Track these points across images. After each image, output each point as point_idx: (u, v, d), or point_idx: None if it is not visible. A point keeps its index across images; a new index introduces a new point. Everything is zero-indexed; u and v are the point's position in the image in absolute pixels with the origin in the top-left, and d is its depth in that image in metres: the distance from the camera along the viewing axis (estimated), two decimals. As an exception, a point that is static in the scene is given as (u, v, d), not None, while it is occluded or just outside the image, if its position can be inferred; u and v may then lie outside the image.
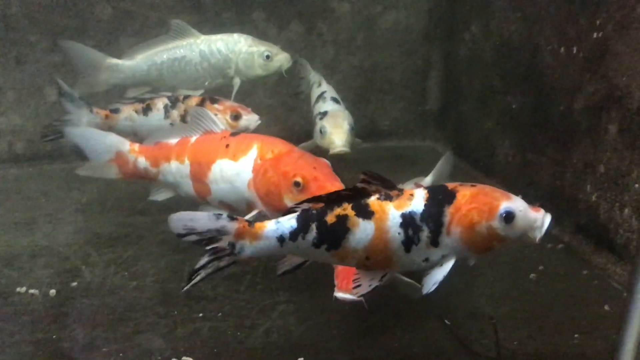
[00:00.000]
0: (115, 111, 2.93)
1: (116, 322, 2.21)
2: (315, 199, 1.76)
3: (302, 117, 3.98)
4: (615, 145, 2.56)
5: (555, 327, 2.22)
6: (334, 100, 3.24)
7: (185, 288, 1.83)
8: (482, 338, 2.13)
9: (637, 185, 2.45)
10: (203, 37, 3.15)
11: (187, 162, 2.48)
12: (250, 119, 2.80)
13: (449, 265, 1.72)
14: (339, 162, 2.67)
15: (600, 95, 2.64)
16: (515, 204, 1.67)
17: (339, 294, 1.97)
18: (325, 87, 3.36)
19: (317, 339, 2.13)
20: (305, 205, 1.75)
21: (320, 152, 2.81)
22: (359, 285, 1.80)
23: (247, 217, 2.32)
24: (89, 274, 2.53)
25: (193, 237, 1.73)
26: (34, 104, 3.69)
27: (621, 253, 2.54)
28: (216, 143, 2.42)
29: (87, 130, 2.69)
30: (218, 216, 1.71)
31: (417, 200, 1.70)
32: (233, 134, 2.46)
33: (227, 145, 2.38)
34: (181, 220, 1.74)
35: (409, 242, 1.71)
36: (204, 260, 1.76)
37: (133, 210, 3.14)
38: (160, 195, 2.68)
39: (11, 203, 3.20)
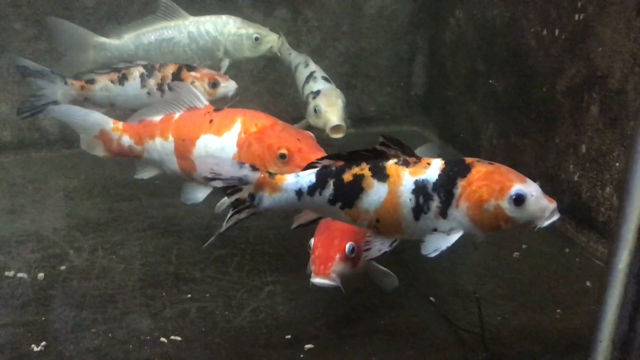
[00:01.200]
0: (91, 82, 2.88)
1: (105, 304, 2.23)
2: (335, 157, 1.80)
3: (289, 103, 3.99)
4: (596, 125, 2.60)
5: (538, 304, 2.27)
6: (325, 79, 3.22)
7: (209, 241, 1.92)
8: (466, 315, 2.18)
9: (618, 164, 2.49)
10: (192, 18, 3.14)
11: (171, 138, 2.48)
12: (228, 85, 2.78)
13: (454, 237, 1.73)
14: (324, 147, 2.69)
15: (582, 76, 2.68)
16: (529, 188, 1.68)
17: (316, 280, 1.97)
18: (313, 67, 3.33)
19: (304, 317, 2.16)
20: (326, 162, 1.80)
21: (313, 132, 2.75)
22: (368, 249, 1.84)
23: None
24: (77, 258, 2.54)
25: (218, 183, 1.77)
26: (19, 92, 3.65)
27: (603, 231, 2.58)
28: (200, 119, 2.42)
29: (70, 108, 2.65)
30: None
31: (432, 169, 1.72)
32: (216, 110, 2.46)
33: (211, 121, 2.39)
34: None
35: (418, 210, 1.73)
36: (230, 213, 1.81)
37: (120, 196, 3.14)
38: (146, 174, 2.67)
39: (-1, 190, 3.21)
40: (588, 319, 2.11)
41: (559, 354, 2.01)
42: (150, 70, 2.85)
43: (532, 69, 3.03)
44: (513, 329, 2.13)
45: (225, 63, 3.13)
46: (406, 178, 1.72)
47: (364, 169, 1.75)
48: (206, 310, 2.20)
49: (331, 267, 1.95)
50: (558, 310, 2.22)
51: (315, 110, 2.96)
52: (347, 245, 1.97)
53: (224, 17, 3.14)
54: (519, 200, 1.66)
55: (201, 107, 2.47)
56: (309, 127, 2.98)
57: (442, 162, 1.75)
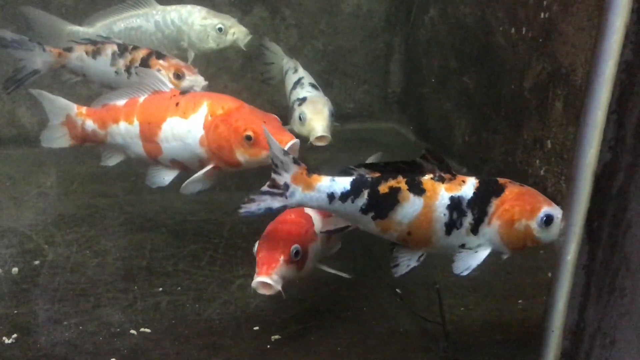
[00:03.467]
0: (68, 50, 2.91)
1: (77, 298, 2.27)
2: (372, 167, 1.83)
3: (268, 101, 4.04)
4: (560, 121, 2.67)
5: (500, 294, 2.33)
6: (313, 86, 3.14)
7: (241, 212, 1.83)
8: (430, 305, 2.23)
9: (580, 159, 2.56)
10: (159, 7, 3.15)
11: (136, 122, 2.47)
12: (194, 80, 2.76)
13: (484, 254, 1.81)
14: (303, 144, 2.72)
15: (547, 73, 2.74)
16: (556, 211, 1.78)
17: (258, 279, 1.89)
18: (302, 72, 3.26)
19: (272, 309, 2.20)
20: (363, 171, 1.83)
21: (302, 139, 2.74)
22: (396, 265, 1.89)
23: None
24: (52, 253, 2.57)
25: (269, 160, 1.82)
26: (-2, 90, 3.70)
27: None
28: (166, 102, 2.42)
29: (41, 93, 2.63)
30: (287, 152, 1.79)
31: (467, 186, 1.80)
32: (182, 93, 2.46)
33: (177, 104, 2.39)
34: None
35: (451, 225, 1.80)
36: (264, 187, 1.82)
37: (97, 193, 3.18)
38: (111, 160, 2.66)
39: (-25, 187, 3.23)
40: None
41: (518, 342, 2.06)
42: (122, 50, 2.86)
43: (501, 66, 3.10)
44: (475, 319, 2.19)
45: (191, 54, 3.13)
46: (442, 194, 1.79)
47: (401, 182, 1.80)
48: (177, 303, 2.25)
49: (274, 269, 1.90)
50: (520, 301, 2.29)
51: (300, 118, 2.86)
52: (292, 248, 1.94)
53: (189, 7, 3.13)
54: (548, 221, 1.77)
55: (166, 90, 2.46)
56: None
57: (477, 180, 1.83)
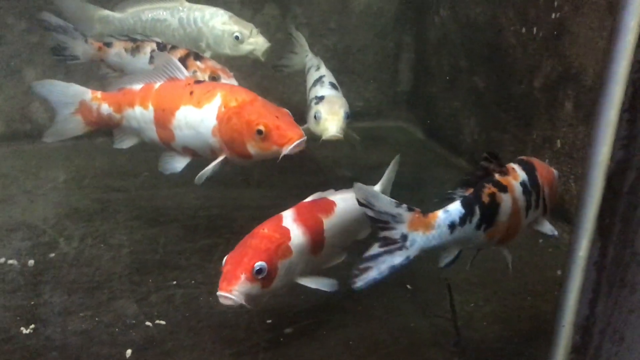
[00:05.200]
0: (108, 45, 2.96)
1: (92, 290, 2.31)
2: (464, 184, 1.83)
3: (278, 98, 4.06)
4: (570, 120, 2.69)
5: (510, 291, 2.36)
6: (332, 85, 3.09)
7: (357, 285, 1.69)
8: (440, 301, 2.25)
9: (589, 158, 2.58)
10: (187, 4, 3.15)
11: (151, 107, 2.49)
12: (229, 82, 2.75)
13: (545, 220, 2.04)
14: (314, 141, 2.74)
15: (558, 73, 2.77)
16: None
17: (219, 294, 1.88)
18: (324, 71, 3.21)
19: (284, 304, 2.22)
20: (460, 192, 1.82)
21: (313, 137, 2.73)
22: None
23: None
24: (66, 246, 2.61)
25: (369, 212, 1.69)
26: (12, 85, 3.74)
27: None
28: (180, 90, 2.44)
29: (52, 82, 2.64)
30: (398, 204, 1.70)
31: (520, 172, 1.92)
32: (197, 82, 2.48)
33: (192, 93, 2.41)
34: (365, 191, 1.70)
35: (528, 207, 1.91)
36: (375, 249, 1.69)
37: (110, 188, 3.22)
38: (125, 143, 2.67)
39: (-11, 180, 3.27)
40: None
41: (527, 338, 2.09)
42: (161, 49, 2.87)
43: (511, 66, 3.12)
44: (485, 315, 2.22)
45: (208, 55, 3.16)
46: (515, 184, 1.88)
47: (490, 187, 1.83)
48: (191, 296, 2.28)
49: (234, 286, 1.86)
50: (528, 298, 2.32)
51: (315, 117, 2.83)
52: (255, 265, 1.88)
53: (214, 9, 3.13)
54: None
55: (182, 78, 2.49)
56: (309, 132, 2.83)
57: (516, 164, 1.96)
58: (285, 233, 2.02)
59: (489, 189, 1.82)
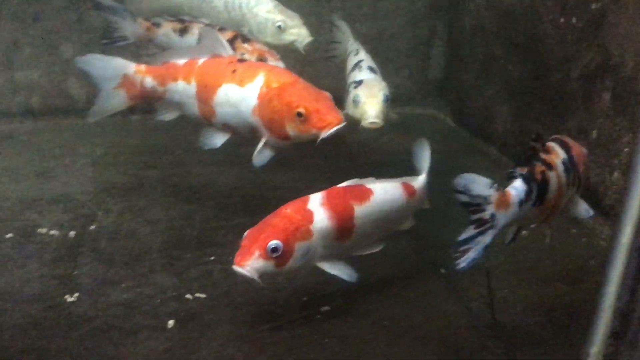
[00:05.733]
0: (157, 25, 2.99)
1: (132, 262, 2.36)
2: (520, 163, 1.88)
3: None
4: (607, 111, 2.69)
5: (543, 278, 2.38)
6: (371, 69, 3.08)
7: (462, 265, 1.77)
8: (474, 286, 2.28)
9: (627, 150, 2.59)
10: None
11: (193, 83, 2.52)
12: (275, 65, 2.77)
13: (580, 200, 2.10)
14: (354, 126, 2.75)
15: (596, 63, 2.76)
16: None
17: (233, 268, 1.94)
18: (362, 55, 3.21)
19: (319, 282, 2.24)
20: (519, 170, 1.85)
21: (352, 122, 2.71)
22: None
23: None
24: (105, 219, 2.67)
25: (464, 198, 1.73)
26: (49, 61, 3.80)
27: (609, 213, 2.68)
28: (223, 67, 2.47)
29: (94, 56, 2.67)
30: (491, 184, 1.75)
31: (559, 150, 1.97)
32: (240, 60, 2.50)
33: (234, 71, 2.43)
34: (465, 178, 1.74)
35: (567, 184, 1.96)
36: (470, 231, 1.76)
37: (145, 164, 3.28)
38: (167, 115, 2.70)
39: (29, 154, 3.33)
40: (589, 295, 2.22)
41: (561, 324, 2.11)
42: None
43: (547, 55, 3.11)
44: (517, 301, 2.24)
45: None
46: (557, 161, 1.94)
47: (539, 165, 1.88)
48: (228, 272, 2.28)
49: (247, 261, 1.91)
50: (562, 286, 2.33)
51: (354, 101, 2.81)
52: (270, 243, 1.91)
53: None
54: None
55: (226, 55, 2.51)
56: (347, 117, 2.76)
57: (554, 143, 2.01)
58: (308, 215, 2.02)
59: (539, 167, 1.87)
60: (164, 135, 3.59)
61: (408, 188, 2.28)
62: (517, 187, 1.81)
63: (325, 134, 2.26)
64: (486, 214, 1.74)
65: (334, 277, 2.24)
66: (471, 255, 1.76)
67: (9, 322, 2.00)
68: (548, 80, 3.11)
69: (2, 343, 1.90)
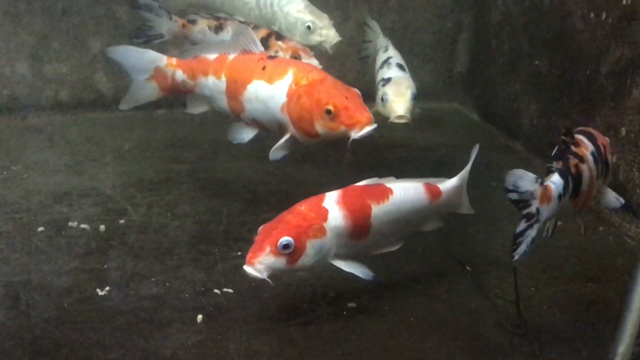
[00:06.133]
0: (192, 22, 3.02)
1: (161, 257, 2.40)
2: (555, 157, 1.92)
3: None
4: (637, 109, 2.66)
5: (570, 276, 2.37)
6: (399, 66, 3.10)
7: (516, 258, 1.81)
8: (500, 284, 2.29)
9: (656, 148, 2.56)
10: None
11: (223, 78, 2.55)
12: (309, 62, 2.77)
13: (609, 189, 2.13)
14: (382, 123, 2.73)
15: (626, 60, 2.73)
16: None
17: (244, 267, 1.96)
18: (391, 52, 3.23)
19: (345, 279, 2.16)
20: (555, 164, 1.89)
21: (380, 119, 2.72)
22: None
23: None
24: (134, 213, 2.71)
25: (514, 195, 1.78)
26: (77, 55, 3.85)
27: (637, 212, 2.66)
28: (253, 64, 2.49)
29: (128, 48, 2.72)
30: (537, 179, 1.78)
31: (587, 142, 1.99)
32: (270, 57, 2.53)
33: (264, 68, 2.45)
34: (514, 175, 1.77)
35: (597, 175, 1.98)
36: (522, 225, 1.80)
37: (172, 159, 3.31)
38: (197, 109, 2.74)
39: (59, 148, 3.39)
40: (617, 293, 2.23)
41: (587, 323, 2.10)
42: None
43: (576, 51, 3.08)
44: (545, 299, 2.23)
45: None
46: (587, 154, 1.95)
47: (572, 159, 1.90)
48: (255, 267, 2.35)
49: (258, 257, 1.93)
50: (589, 284, 2.32)
51: (382, 99, 2.86)
52: (281, 240, 1.91)
53: None
54: None
55: (256, 52, 2.54)
56: (377, 114, 2.82)
57: (582, 135, 2.02)
58: (322, 213, 2.02)
59: (573, 160, 1.89)
60: (189, 129, 3.63)
61: (432, 189, 2.23)
62: (555, 182, 1.84)
63: (356, 134, 2.27)
64: (532, 209, 1.78)
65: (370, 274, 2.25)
66: (522, 248, 1.80)
67: (42, 315, 2.04)
68: (577, 76, 3.08)
69: (36, 335, 1.95)
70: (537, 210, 1.78)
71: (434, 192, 2.23)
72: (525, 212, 1.78)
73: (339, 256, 2.06)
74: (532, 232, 1.80)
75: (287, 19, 3.09)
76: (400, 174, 2.93)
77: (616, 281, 2.34)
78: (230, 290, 2.20)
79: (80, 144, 3.45)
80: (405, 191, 2.17)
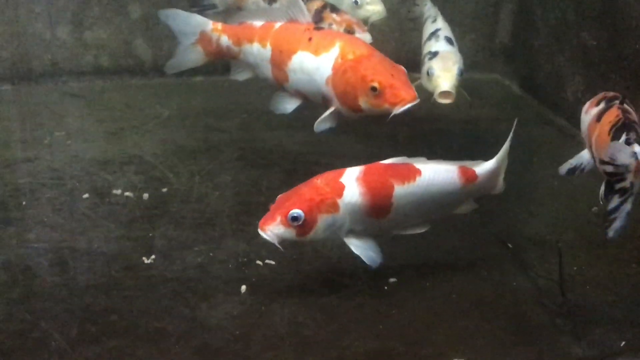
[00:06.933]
0: None
1: (204, 226, 2.43)
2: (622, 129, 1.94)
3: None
4: (690, 86, 2.59)
5: (613, 257, 2.33)
6: (448, 40, 3.02)
7: (610, 235, 1.85)
8: (542, 262, 2.27)
9: None
10: None
11: (269, 46, 2.54)
12: (362, 37, 2.76)
13: None
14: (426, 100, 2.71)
15: (680, 35, 2.64)
16: None
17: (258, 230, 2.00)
18: (440, 23, 3.15)
19: (387, 254, 2.14)
20: (627, 136, 1.89)
21: (425, 93, 2.71)
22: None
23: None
24: (176, 182, 2.74)
25: (610, 168, 1.81)
26: (117, 20, 3.85)
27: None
28: (300, 34, 2.47)
29: (175, 12, 2.73)
30: (633, 153, 1.78)
31: (626, 106, 2.07)
32: (317, 28, 2.50)
33: (310, 39, 2.44)
34: (614, 147, 1.81)
35: None
36: (616, 201, 1.81)
37: (211, 127, 3.32)
38: (241, 75, 2.76)
39: (100, 114, 3.42)
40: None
41: (631, 305, 2.09)
42: None
43: (626, 24, 2.99)
44: (588, 279, 2.21)
45: None
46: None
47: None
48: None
49: (269, 225, 1.96)
50: (633, 265, 2.29)
51: (428, 73, 2.80)
52: (291, 212, 1.94)
53: None
54: None
55: (303, 22, 2.52)
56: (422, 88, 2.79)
57: (622, 103, 2.07)
58: (338, 189, 2.01)
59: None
60: (227, 98, 3.64)
61: (467, 172, 2.14)
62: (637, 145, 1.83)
63: (397, 110, 2.25)
64: (627, 183, 1.78)
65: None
66: (617, 224, 1.80)
67: (90, 281, 2.10)
68: (625, 50, 3.00)
69: (85, 302, 2.00)
70: (632, 183, 1.77)
71: (469, 176, 2.15)
72: (618, 186, 1.78)
73: (355, 232, 2.06)
74: (627, 206, 1.79)
75: None
76: (440, 148, 2.94)
77: (661, 262, 2.31)
78: (272, 262, 2.23)
79: (120, 110, 3.48)
80: (436, 173, 2.10)
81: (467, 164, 2.18)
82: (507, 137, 2.22)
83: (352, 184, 2.02)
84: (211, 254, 2.26)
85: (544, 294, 2.12)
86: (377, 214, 2.05)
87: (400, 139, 3.18)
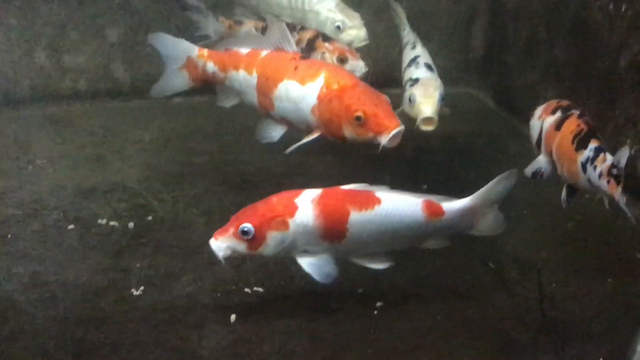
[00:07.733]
0: (238, 23, 3.08)
1: (192, 254, 2.45)
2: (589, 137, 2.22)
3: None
4: (658, 103, 2.68)
5: (590, 272, 2.41)
6: (428, 66, 3.10)
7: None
8: (523, 281, 2.34)
9: (676, 143, 2.59)
10: None
11: (255, 74, 2.59)
12: (355, 65, 2.85)
13: None
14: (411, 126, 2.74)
15: (646, 54, 2.74)
16: None
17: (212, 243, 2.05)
18: (420, 50, 3.22)
19: (370, 277, 2.25)
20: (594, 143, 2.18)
21: (407, 120, 2.72)
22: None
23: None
24: (161, 209, 2.76)
25: (615, 171, 2.07)
26: (95, 44, 3.87)
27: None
28: (286, 63, 2.52)
29: (165, 36, 2.77)
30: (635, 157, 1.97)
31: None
32: (303, 57, 2.56)
33: (296, 68, 2.49)
34: (620, 154, 2.02)
35: None
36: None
37: (194, 150, 3.35)
38: (227, 102, 2.81)
39: (81, 139, 3.43)
40: (636, 289, 2.29)
41: (609, 319, 2.16)
42: (290, 29, 2.83)
43: (595, 41, 3.08)
44: (566, 295, 2.28)
45: None
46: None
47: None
48: (283, 265, 2.39)
49: (221, 236, 2.03)
50: (609, 280, 2.37)
51: (410, 100, 2.87)
52: (242, 225, 2.00)
53: None
54: None
55: (289, 51, 2.57)
56: (404, 114, 2.85)
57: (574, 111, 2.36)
58: (290, 208, 2.05)
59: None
60: (207, 119, 3.66)
61: (432, 207, 2.11)
62: None
63: (385, 141, 2.31)
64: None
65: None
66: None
67: (82, 315, 2.11)
68: (595, 67, 3.09)
69: (77, 336, 2.02)
70: None
71: (433, 211, 2.11)
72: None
73: (306, 253, 2.11)
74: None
75: (317, 17, 3.10)
76: (418, 166, 2.99)
77: (636, 275, 2.39)
78: (260, 289, 2.26)
79: (101, 135, 3.48)
80: (396, 204, 2.09)
81: (437, 198, 2.15)
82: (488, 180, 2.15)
83: (305, 205, 2.07)
84: (199, 283, 2.29)
85: (525, 312, 2.18)
86: (330, 238, 2.08)
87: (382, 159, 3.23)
